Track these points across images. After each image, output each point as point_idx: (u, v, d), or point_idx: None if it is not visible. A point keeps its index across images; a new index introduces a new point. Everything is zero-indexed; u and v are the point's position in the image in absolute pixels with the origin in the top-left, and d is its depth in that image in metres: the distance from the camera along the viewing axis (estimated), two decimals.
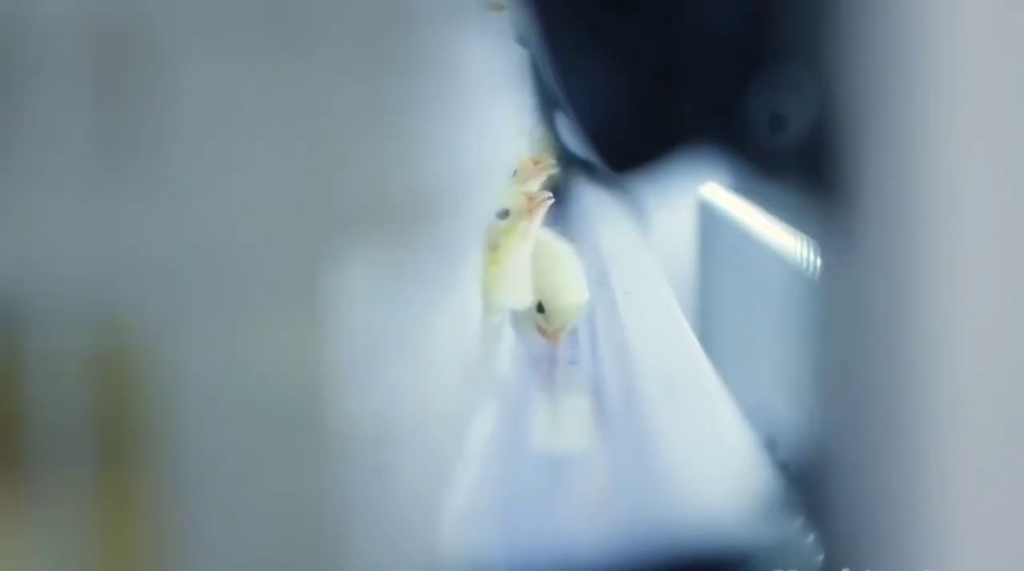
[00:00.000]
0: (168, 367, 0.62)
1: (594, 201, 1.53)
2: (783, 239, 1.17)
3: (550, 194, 1.06)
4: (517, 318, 1.06)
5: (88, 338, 0.62)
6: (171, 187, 0.62)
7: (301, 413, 0.63)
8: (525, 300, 1.05)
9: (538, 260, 1.05)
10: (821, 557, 0.64)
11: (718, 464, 0.81)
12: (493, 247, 1.03)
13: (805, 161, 0.63)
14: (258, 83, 0.62)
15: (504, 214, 1.04)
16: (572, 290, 1.06)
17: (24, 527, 0.62)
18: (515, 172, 1.11)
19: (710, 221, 1.66)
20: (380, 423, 0.65)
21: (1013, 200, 0.56)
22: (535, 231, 1.04)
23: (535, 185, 1.08)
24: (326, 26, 0.63)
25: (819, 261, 0.65)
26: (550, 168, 1.12)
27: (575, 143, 0.80)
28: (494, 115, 1.08)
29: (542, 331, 1.05)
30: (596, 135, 0.75)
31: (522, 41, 1.01)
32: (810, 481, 0.66)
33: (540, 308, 1.05)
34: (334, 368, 0.63)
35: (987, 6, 0.56)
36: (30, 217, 0.61)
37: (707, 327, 1.59)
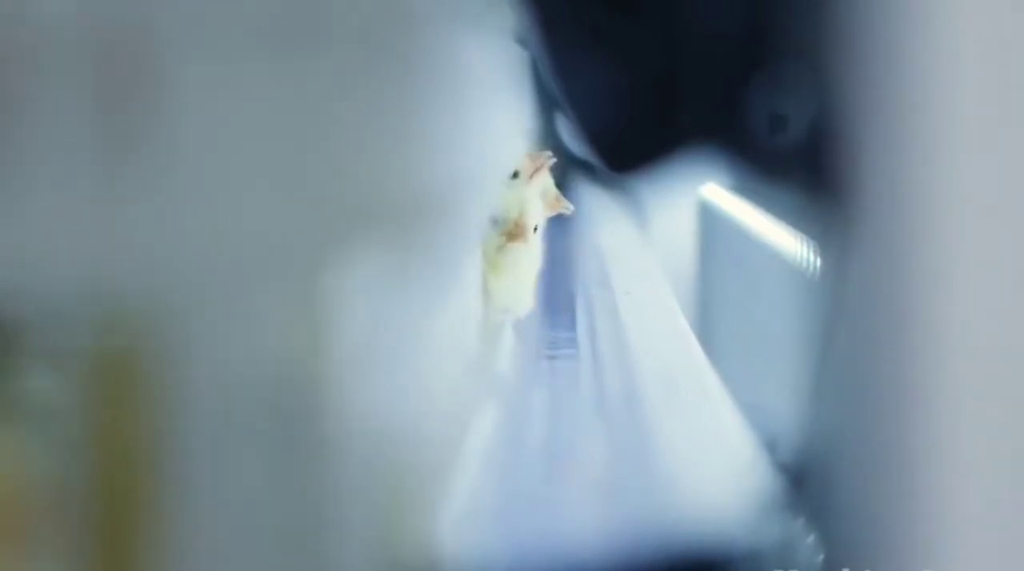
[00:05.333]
0: (166, 367, 0.62)
1: (594, 201, 1.53)
2: (783, 239, 1.17)
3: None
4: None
5: (87, 336, 0.62)
6: (171, 187, 0.62)
7: (300, 412, 0.63)
8: (526, 302, 1.05)
9: None
10: (821, 557, 0.64)
11: (718, 464, 0.81)
12: (491, 250, 1.03)
13: (805, 161, 0.63)
14: (258, 82, 0.62)
15: (515, 175, 1.05)
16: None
17: (25, 526, 0.62)
18: (515, 174, 1.11)
19: (710, 221, 1.66)
20: (380, 423, 0.65)
21: (1013, 200, 0.56)
22: (532, 238, 1.05)
23: (537, 182, 1.09)
24: (326, 25, 0.63)
25: (819, 261, 0.65)
26: (549, 161, 1.12)
27: (575, 143, 0.80)
28: (494, 115, 1.08)
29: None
30: (596, 135, 0.75)
31: (522, 41, 1.01)
32: (810, 481, 0.66)
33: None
34: (334, 367, 0.63)
35: (987, 6, 0.56)
36: (30, 216, 0.61)
37: (707, 327, 1.58)
